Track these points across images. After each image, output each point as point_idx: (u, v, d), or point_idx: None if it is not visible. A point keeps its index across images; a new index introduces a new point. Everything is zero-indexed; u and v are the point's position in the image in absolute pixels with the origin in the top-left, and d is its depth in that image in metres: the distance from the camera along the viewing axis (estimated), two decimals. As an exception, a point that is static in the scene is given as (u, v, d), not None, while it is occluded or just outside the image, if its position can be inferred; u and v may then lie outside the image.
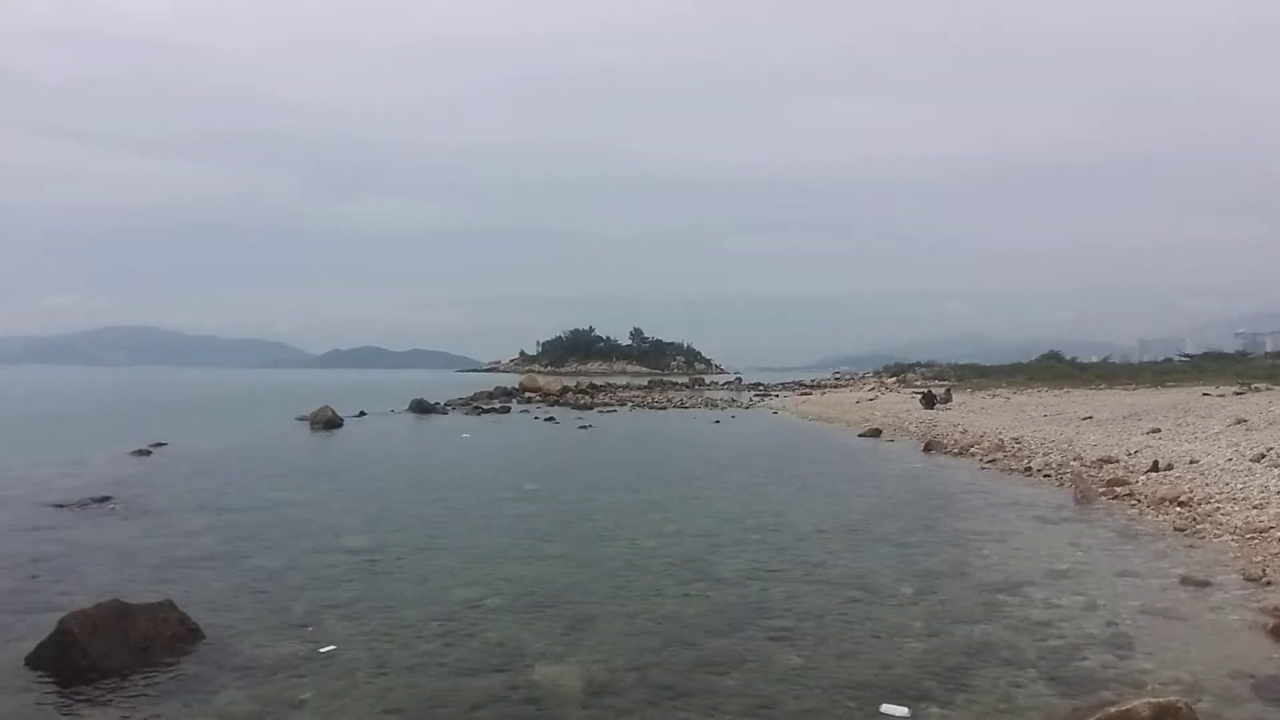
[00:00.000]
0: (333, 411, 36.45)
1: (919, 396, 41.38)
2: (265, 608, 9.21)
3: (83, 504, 15.22)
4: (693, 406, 52.76)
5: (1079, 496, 15.38)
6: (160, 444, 25.93)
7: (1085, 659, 7.54)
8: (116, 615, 7.67)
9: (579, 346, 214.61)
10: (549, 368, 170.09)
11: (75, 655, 7.29)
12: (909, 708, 6.58)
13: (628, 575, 10.60)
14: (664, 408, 52.17)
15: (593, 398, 60.30)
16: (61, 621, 7.48)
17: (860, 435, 30.47)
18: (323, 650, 7.80)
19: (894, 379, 72.59)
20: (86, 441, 28.13)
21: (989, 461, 21.41)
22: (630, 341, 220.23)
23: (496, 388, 66.12)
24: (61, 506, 15.01)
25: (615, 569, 10.93)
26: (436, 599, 9.53)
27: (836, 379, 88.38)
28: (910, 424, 32.25)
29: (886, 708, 6.59)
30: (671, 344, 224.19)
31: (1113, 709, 5.44)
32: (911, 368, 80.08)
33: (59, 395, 69.59)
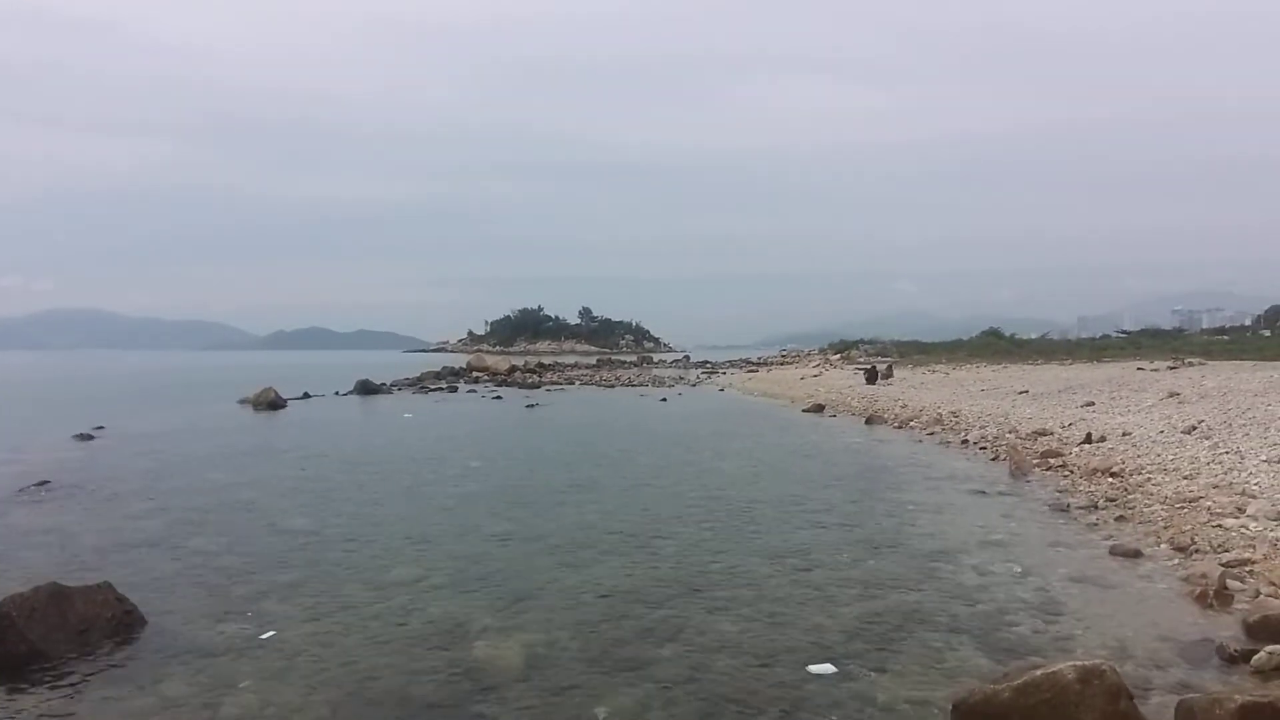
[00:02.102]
0: (275, 393, 36.06)
1: (862, 373, 41.92)
2: (206, 591, 9.18)
3: (20, 489, 15.02)
4: (641, 385, 52.93)
5: (1014, 468, 15.75)
6: (100, 428, 25.50)
7: (1016, 625, 7.82)
8: (54, 598, 7.61)
9: (527, 326, 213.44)
10: (497, 347, 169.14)
11: (13, 638, 7.22)
12: (836, 667, 6.83)
13: (571, 551, 10.73)
14: (612, 386, 52.30)
15: (540, 377, 60.25)
16: (-2, 604, 7.41)
17: (804, 411, 30.86)
18: (263, 634, 7.82)
19: (838, 356, 73.27)
20: (25, 427, 27.60)
21: (928, 435, 21.86)
22: (579, 321, 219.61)
23: (444, 368, 65.70)
24: (-2, 492, 14.70)
25: (558, 545, 11.05)
26: (377, 579, 9.57)
27: (783, 356, 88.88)
28: (853, 399, 32.74)
29: (813, 667, 6.83)
30: (620, 323, 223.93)
31: (1039, 672, 5.64)
32: (856, 345, 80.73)
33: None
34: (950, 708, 5.83)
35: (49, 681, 6.82)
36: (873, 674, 6.75)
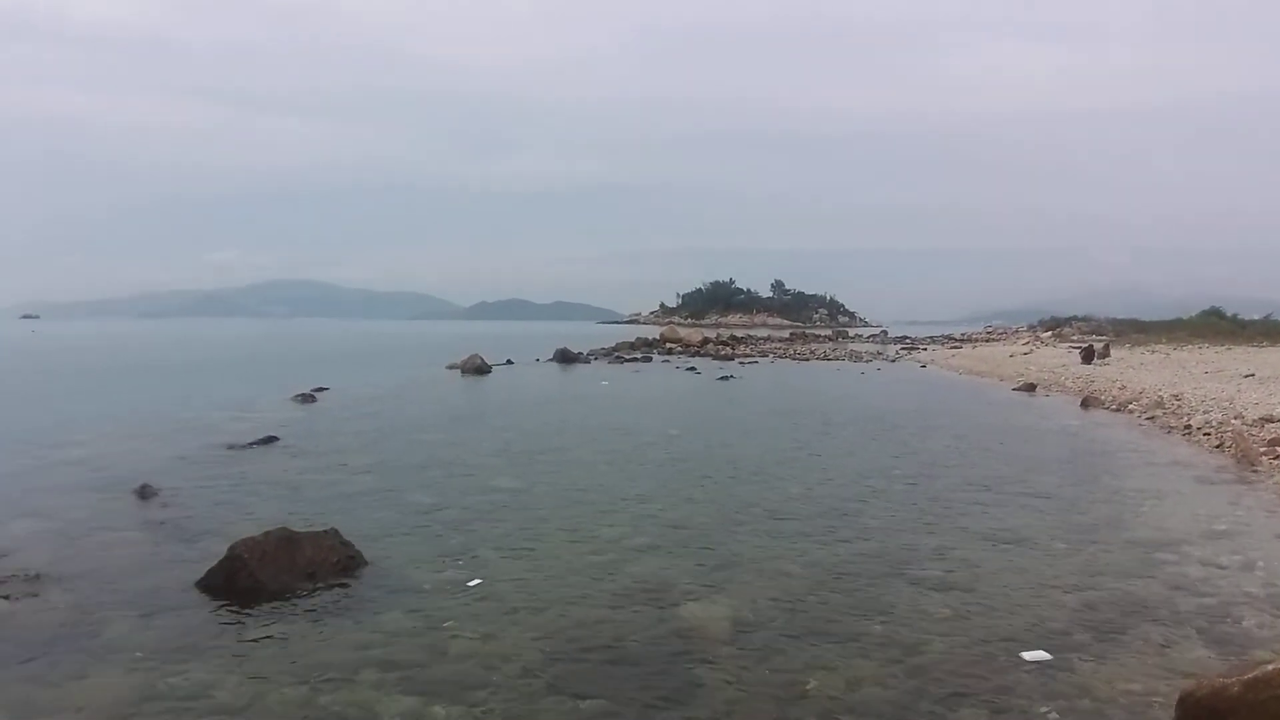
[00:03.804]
0: (482, 360, 37.67)
1: (1076, 351, 39.57)
2: (421, 540, 9.62)
3: (252, 444, 16.14)
4: (836, 359, 51.92)
5: (1239, 456, 14.49)
6: (322, 389, 27.24)
7: (1242, 619, 7.23)
8: (284, 542, 8.16)
9: (719, 299, 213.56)
10: (689, 320, 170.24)
11: (244, 579, 7.78)
12: (1051, 654, 6.45)
13: (774, 521, 10.56)
14: (807, 359, 51.55)
15: (733, 349, 60.05)
16: (232, 548, 8.00)
17: (1014, 390, 29.41)
18: (472, 581, 8.08)
19: (1049, 333, 69.52)
20: (254, 388, 29.77)
21: (1147, 418, 20.37)
22: (771, 294, 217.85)
23: (638, 339, 66.66)
24: (232, 447, 15.92)
25: (761, 514, 10.90)
26: (583, 537, 9.73)
27: (988, 333, 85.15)
28: (1066, 379, 30.90)
29: (1027, 654, 6.47)
30: (814, 296, 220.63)
31: (1270, 666, 5.16)
32: (1068, 321, 76.31)
33: (226, 346, 73.93)
34: (1176, 701, 5.41)
35: (279, 618, 7.27)
36: (1090, 664, 6.31)
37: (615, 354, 52.07)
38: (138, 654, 6.41)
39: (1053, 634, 6.91)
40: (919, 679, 6.11)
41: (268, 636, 6.85)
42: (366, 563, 8.53)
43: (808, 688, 5.97)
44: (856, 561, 8.86)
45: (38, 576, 8.15)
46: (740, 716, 5.62)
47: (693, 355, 53.09)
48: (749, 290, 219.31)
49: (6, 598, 7.58)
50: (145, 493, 11.75)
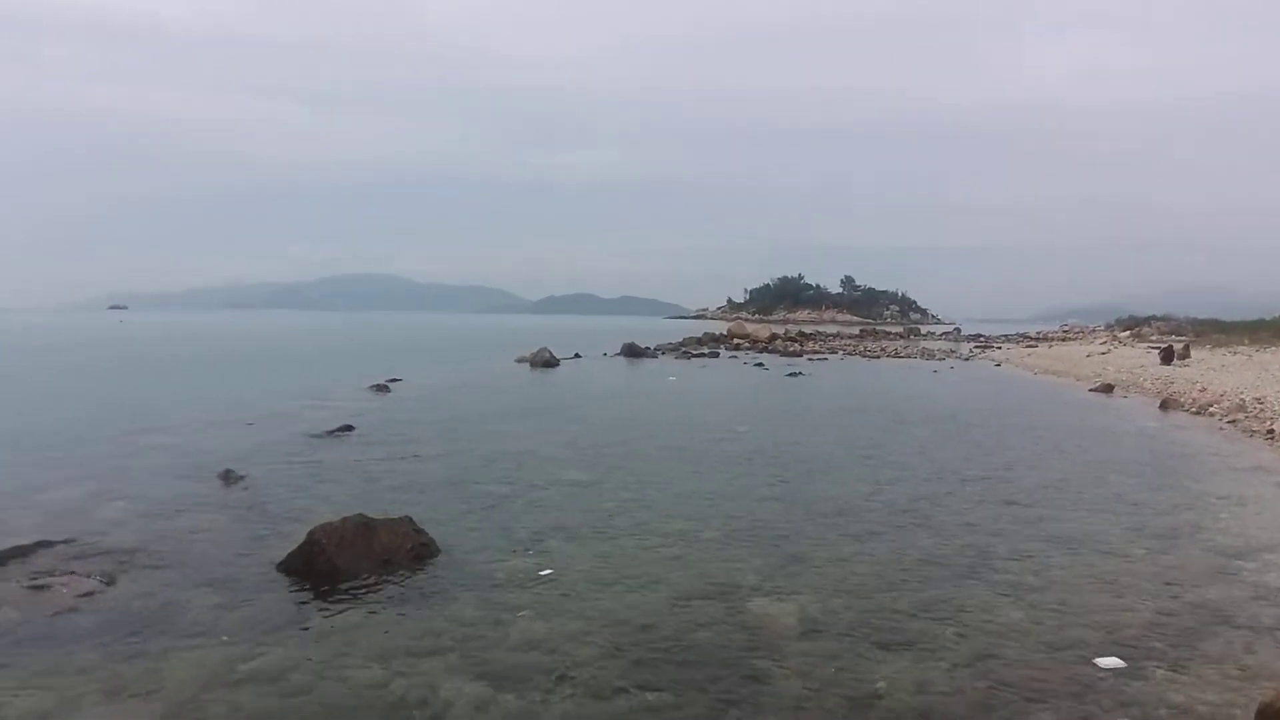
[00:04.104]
0: (550, 353, 38.05)
1: (1155, 352, 38.50)
2: (492, 529, 9.77)
3: (328, 432, 16.51)
4: (908, 356, 51.24)
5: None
6: (395, 380, 27.77)
7: (1327, 630, 6.97)
8: (360, 528, 8.36)
9: (787, 294, 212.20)
10: (756, 315, 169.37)
11: (322, 563, 8.00)
12: (1126, 661, 6.33)
13: (843, 519, 10.48)
14: (877, 357, 50.97)
15: (802, 345, 59.64)
16: (311, 533, 8.22)
17: (1091, 390, 28.73)
18: (543, 571, 8.19)
19: (1127, 332, 67.70)
20: (330, 378, 30.44)
21: (1229, 422, 19.75)
22: (841, 289, 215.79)
23: (705, 334, 66.62)
24: (311, 435, 16.35)
25: (829, 512, 10.83)
26: (651, 530, 9.77)
27: (1064, 332, 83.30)
28: (1145, 380, 30.09)
29: (1101, 660, 6.36)
30: (885, 292, 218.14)
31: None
32: (1146, 321, 74.19)
33: (303, 337, 75.71)
34: (1255, 712, 5.26)
35: (354, 602, 7.46)
36: (1166, 672, 6.14)
37: (682, 349, 52.06)
38: (223, 636, 6.63)
39: (1128, 641, 6.75)
40: (990, 683, 6.03)
41: (344, 620, 7.04)
42: (439, 550, 8.71)
43: (876, 689, 5.93)
44: (927, 562, 8.76)
45: (129, 557, 8.50)
46: (808, 715, 5.61)
47: (760, 351, 52.86)
48: (818, 286, 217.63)
49: (101, 578, 7.91)
50: (228, 478, 12.15)
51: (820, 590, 7.80)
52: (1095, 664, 6.32)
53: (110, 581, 7.81)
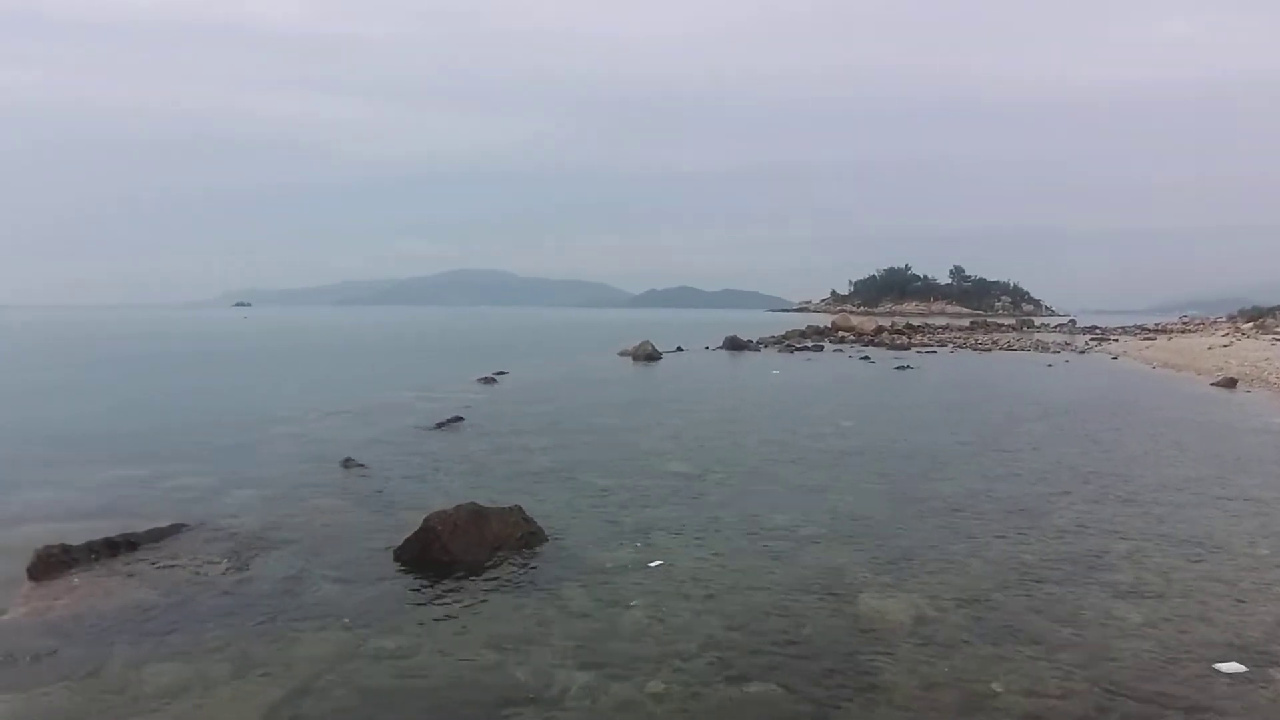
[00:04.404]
0: (652, 346, 38.24)
1: (1286, 344, 36.58)
2: (598, 519, 9.90)
3: (438, 423, 16.97)
4: (1021, 349, 49.74)
5: None
6: (502, 373, 28.33)
7: None
8: (473, 516, 8.58)
9: (894, 285, 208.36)
10: (861, 307, 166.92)
11: (437, 550, 8.23)
12: (1247, 666, 6.09)
13: (954, 516, 10.27)
14: (989, 350, 49.64)
15: (910, 338, 58.50)
16: (426, 520, 8.46)
17: (1213, 384, 27.47)
18: (652, 562, 8.26)
19: (1250, 324, 64.40)
20: (440, 371, 31.36)
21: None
22: (950, 280, 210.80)
23: (808, 327, 65.93)
24: (423, 425, 16.86)
25: (940, 509, 10.62)
26: (757, 524, 9.75)
27: (1183, 323, 79.81)
28: (1270, 374, 28.63)
29: (1221, 665, 6.13)
30: (996, 283, 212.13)
31: None
32: (1271, 312, 70.41)
33: (412, 331, 77.82)
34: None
35: (468, 587, 7.66)
36: (1298, 682, 5.91)
37: (785, 342, 51.65)
38: (345, 619, 6.89)
39: (1250, 645, 6.49)
40: (1106, 687, 5.85)
41: (458, 606, 7.23)
42: (547, 539, 8.87)
43: (990, 689, 5.81)
44: (1041, 562, 8.53)
45: (257, 540, 8.93)
46: (919, 714, 5.53)
47: (866, 344, 52.03)
48: (925, 277, 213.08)
49: (231, 560, 8.32)
50: (348, 465, 12.66)
51: (931, 588, 7.67)
52: (1216, 669, 6.11)
53: (239, 564, 8.21)
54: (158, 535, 8.94)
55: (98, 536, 8.57)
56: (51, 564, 7.88)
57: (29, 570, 7.75)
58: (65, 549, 8.11)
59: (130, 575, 7.87)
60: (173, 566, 8.11)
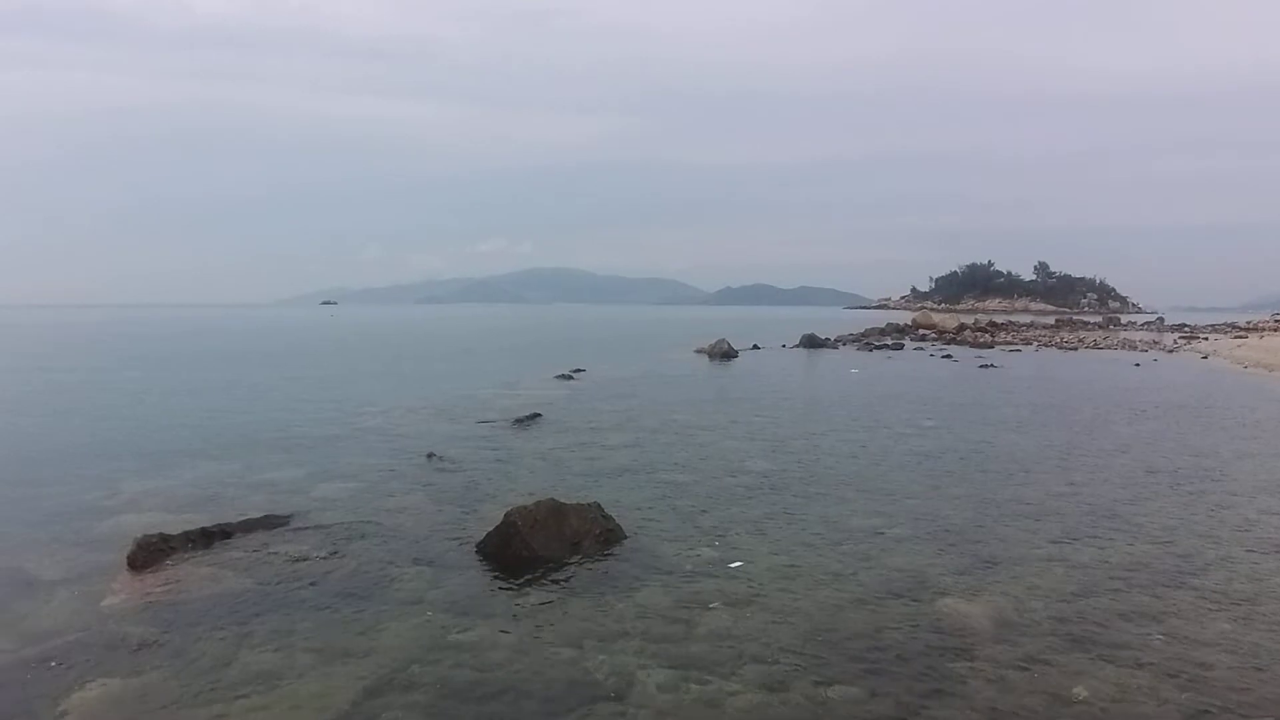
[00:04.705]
0: (728, 344, 38.17)
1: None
2: (677, 518, 9.94)
3: (517, 420, 17.25)
4: (1107, 348, 48.40)
5: None
6: (579, 370, 28.60)
7: None
8: (553, 512, 8.71)
9: (976, 282, 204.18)
10: (943, 304, 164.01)
11: (518, 545, 8.38)
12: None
13: (1039, 520, 10.06)
14: (1074, 348, 48.38)
15: (993, 336, 57.31)
16: (507, 515, 8.63)
17: (1314, 385, 26.42)
18: (732, 563, 8.27)
19: (1352, 323, 61.68)
20: (519, 368, 31.75)
21: None
22: (1034, 277, 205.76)
23: (888, 324, 65.05)
24: (503, 421, 17.16)
25: (1024, 511, 10.43)
26: (837, 525, 9.70)
27: (1277, 321, 76.67)
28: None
29: None
30: (1082, 279, 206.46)
31: None
32: (1370, 308, 67.36)
33: (493, 329, 78.87)
34: None
35: (548, 583, 7.79)
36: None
37: (864, 340, 51.01)
38: (428, 612, 7.06)
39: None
40: (1195, 695, 5.72)
41: (538, 601, 7.36)
42: (625, 536, 8.95)
43: (1075, 695, 5.71)
44: (1129, 566, 8.33)
45: (345, 532, 9.22)
46: (1001, 718, 5.47)
47: (948, 342, 51.15)
48: (1009, 273, 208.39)
49: (320, 550, 8.58)
50: (432, 460, 12.95)
51: (1014, 592, 7.55)
52: None
53: (327, 555, 8.47)
54: (250, 526, 9.27)
55: (194, 527, 8.93)
56: (151, 553, 8.24)
57: (129, 559, 8.12)
58: (164, 538, 8.48)
59: (224, 564, 8.18)
60: (264, 556, 8.41)
